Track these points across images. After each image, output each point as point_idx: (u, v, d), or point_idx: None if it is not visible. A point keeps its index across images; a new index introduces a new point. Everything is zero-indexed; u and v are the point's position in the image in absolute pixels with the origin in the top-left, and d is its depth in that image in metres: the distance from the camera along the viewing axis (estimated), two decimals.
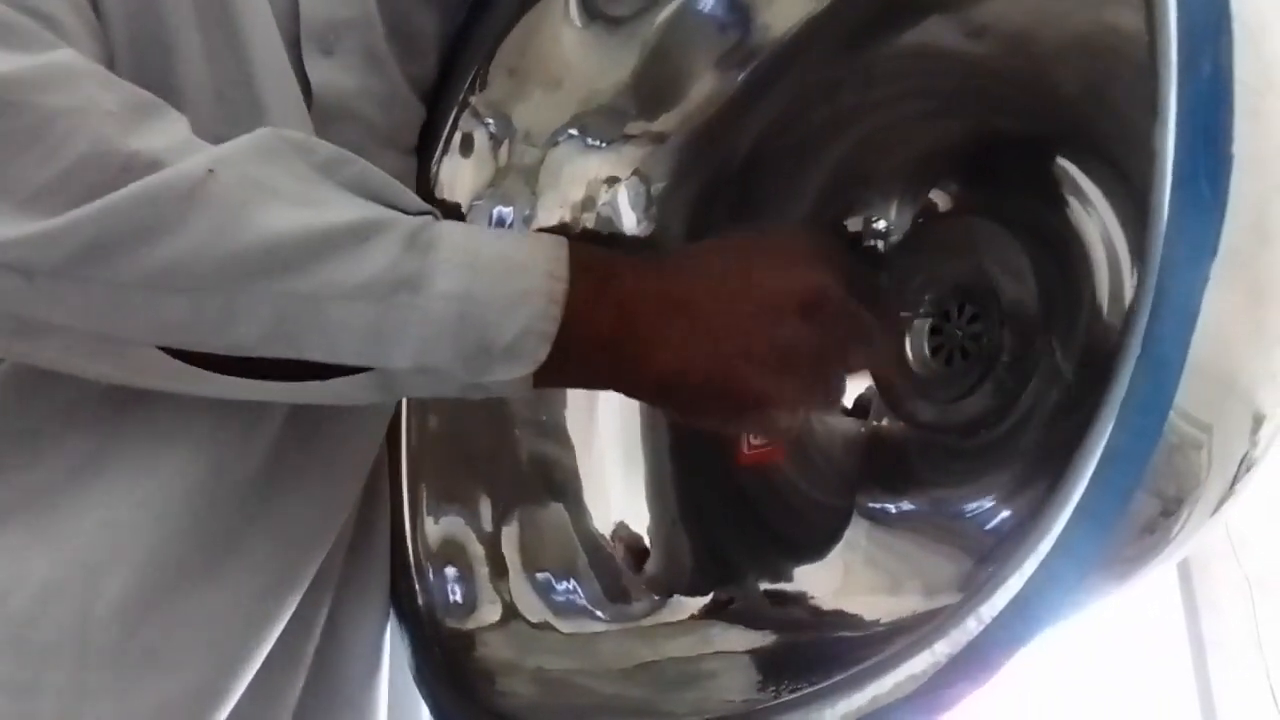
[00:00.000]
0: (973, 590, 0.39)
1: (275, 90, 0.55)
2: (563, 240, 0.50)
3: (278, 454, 0.54)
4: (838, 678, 0.43)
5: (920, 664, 0.39)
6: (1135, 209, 0.55)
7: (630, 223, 0.71)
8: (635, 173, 0.71)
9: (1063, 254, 0.58)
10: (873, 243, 0.66)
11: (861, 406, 0.67)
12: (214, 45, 0.53)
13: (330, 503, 0.59)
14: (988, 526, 0.60)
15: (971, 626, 0.38)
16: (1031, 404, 0.59)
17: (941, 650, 0.39)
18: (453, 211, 0.69)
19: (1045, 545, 0.37)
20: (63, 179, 0.44)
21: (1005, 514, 0.59)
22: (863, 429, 0.67)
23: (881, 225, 0.66)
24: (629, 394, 0.52)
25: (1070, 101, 0.58)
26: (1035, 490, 0.57)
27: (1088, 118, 0.57)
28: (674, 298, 0.49)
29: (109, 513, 0.51)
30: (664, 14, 0.68)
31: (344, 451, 0.59)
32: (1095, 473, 0.36)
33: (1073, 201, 0.58)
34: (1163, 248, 0.35)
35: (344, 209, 0.46)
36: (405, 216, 0.48)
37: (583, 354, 0.48)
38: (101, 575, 0.50)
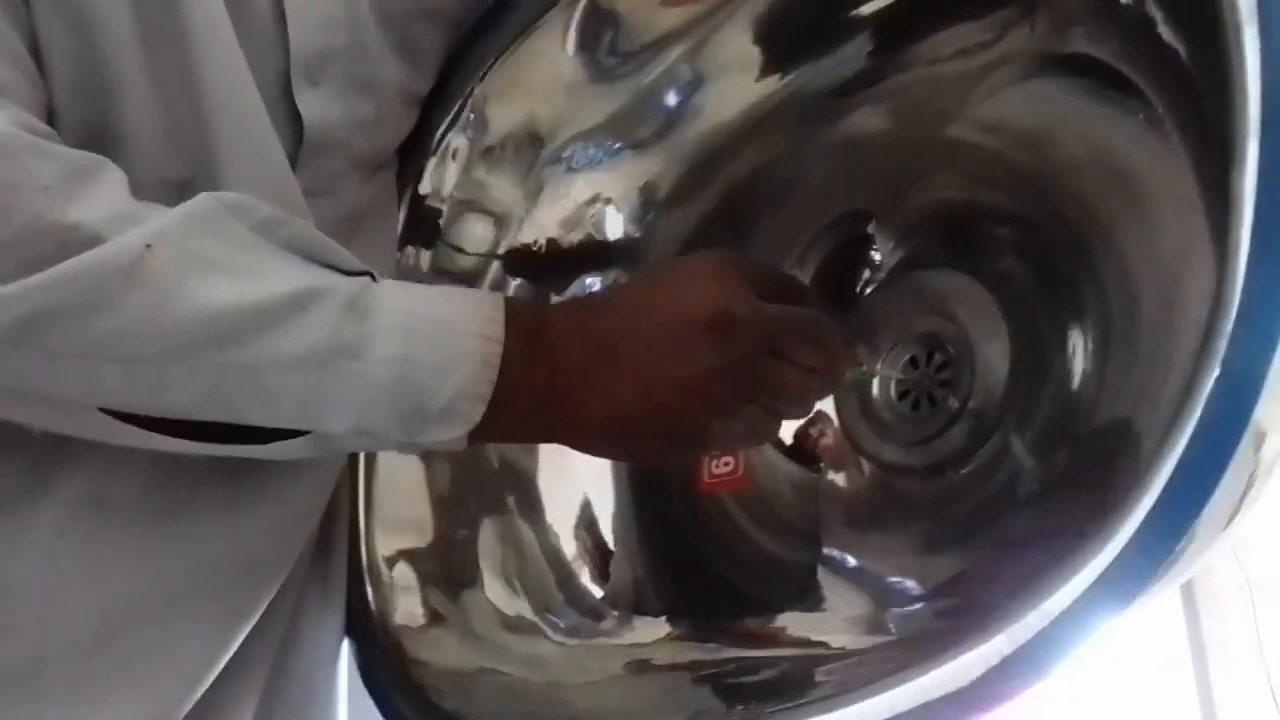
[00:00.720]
0: (1040, 586, 0.41)
1: (236, 129, 0.54)
2: (498, 298, 0.51)
3: (242, 478, 0.54)
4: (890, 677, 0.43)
5: (981, 657, 0.41)
6: (1104, 321, 0.58)
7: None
8: (625, 193, 0.72)
9: (1038, 329, 0.61)
10: (866, 275, 0.68)
11: (817, 454, 0.69)
12: (166, 86, 0.52)
13: (296, 522, 0.58)
14: (949, 565, 0.61)
15: (1033, 622, 0.40)
16: (999, 450, 0.60)
17: (1000, 644, 0.41)
18: (433, 215, 0.70)
19: (1115, 546, 0.39)
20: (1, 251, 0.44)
21: (967, 551, 0.61)
22: (822, 475, 0.68)
23: (877, 257, 0.68)
24: (574, 447, 0.52)
25: (1066, 212, 0.60)
26: (999, 528, 0.60)
27: (1082, 231, 0.59)
28: (597, 340, 0.50)
29: (49, 550, 0.50)
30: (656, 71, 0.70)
31: (312, 471, 0.58)
32: (1169, 484, 0.38)
33: (1057, 286, 0.61)
34: (1244, 275, 0.38)
35: (282, 277, 0.47)
36: (343, 279, 0.48)
37: (518, 412, 0.48)
38: (53, 614, 0.50)
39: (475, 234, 0.71)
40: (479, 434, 0.48)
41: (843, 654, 0.61)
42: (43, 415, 0.48)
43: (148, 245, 0.44)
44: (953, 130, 0.64)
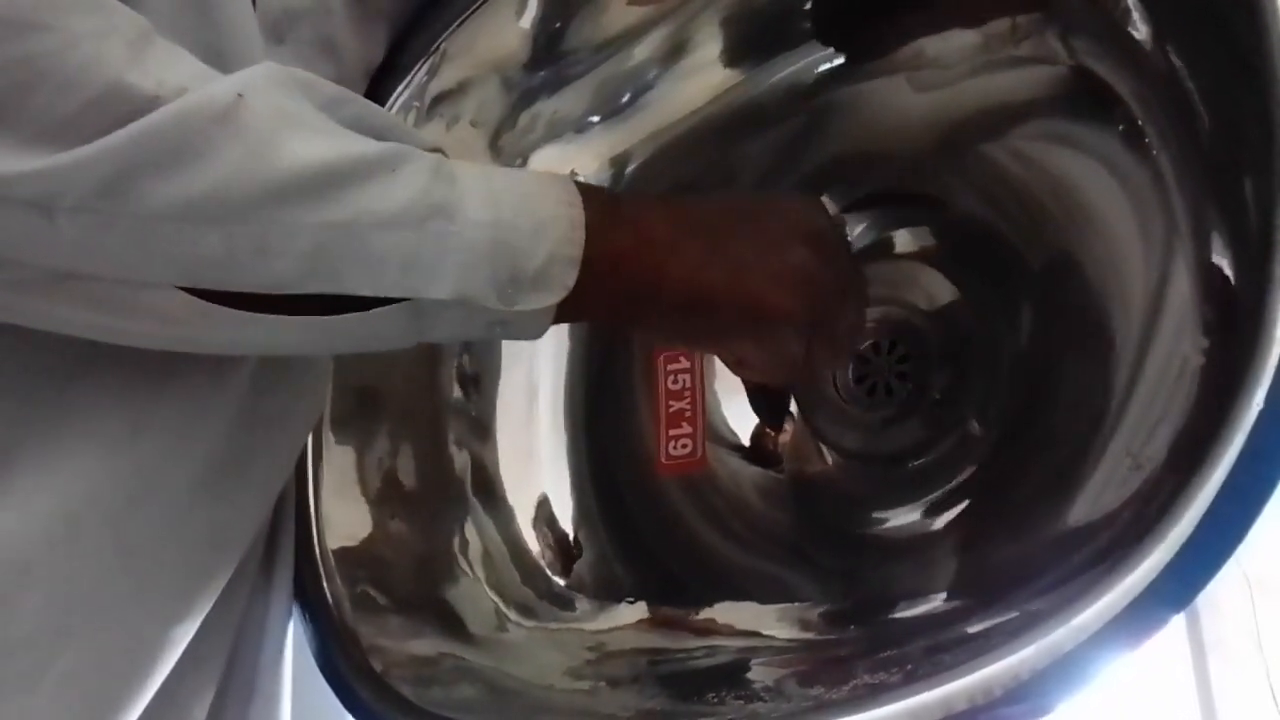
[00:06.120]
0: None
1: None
2: (560, 174, 0.51)
3: (219, 455, 0.51)
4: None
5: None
6: (1069, 325, 0.59)
7: None
8: (589, 167, 0.71)
9: (1002, 328, 0.62)
10: None
11: (777, 453, 0.69)
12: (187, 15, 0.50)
13: (263, 501, 0.56)
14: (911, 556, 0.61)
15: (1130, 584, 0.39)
16: (958, 443, 0.61)
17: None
18: None
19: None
20: (89, 109, 0.40)
21: (927, 543, 0.61)
22: (785, 475, 0.68)
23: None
24: (644, 318, 0.52)
25: (1036, 217, 0.61)
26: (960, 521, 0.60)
27: (1052, 237, 0.60)
28: (687, 218, 0.51)
29: (11, 527, 0.46)
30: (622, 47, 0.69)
31: (283, 444, 0.57)
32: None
33: (1025, 286, 0.61)
34: None
35: (363, 144, 0.45)
36: (420, 150, 0.47)
37: (603, 276, 0.48)
38: (11, 599, 0.46)
39: None
40: (564, 308, 0.47)
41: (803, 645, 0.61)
42: (113, 310, 0.44)
43: (240, 95, 0.42)
44: (932, 133, 0.65)
